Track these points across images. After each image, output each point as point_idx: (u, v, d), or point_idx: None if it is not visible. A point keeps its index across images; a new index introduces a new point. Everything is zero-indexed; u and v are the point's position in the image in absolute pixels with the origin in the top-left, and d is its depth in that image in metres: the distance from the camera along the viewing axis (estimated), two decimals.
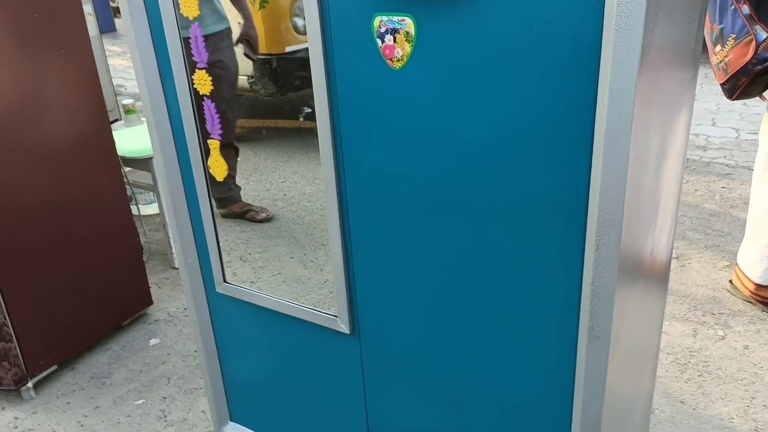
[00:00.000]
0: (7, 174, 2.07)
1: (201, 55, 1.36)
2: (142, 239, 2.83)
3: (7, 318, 2.14)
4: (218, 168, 1.50)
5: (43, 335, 2.27)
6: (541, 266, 1.15)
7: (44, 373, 2.31)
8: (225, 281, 1.68)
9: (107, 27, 7.89)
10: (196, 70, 1.39)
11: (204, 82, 1.40)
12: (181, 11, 1.32)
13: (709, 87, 5.60)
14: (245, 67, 4.17)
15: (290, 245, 2.61)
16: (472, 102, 1.09)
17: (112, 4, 8.48)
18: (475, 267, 1.22)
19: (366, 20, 1.12)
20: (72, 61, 2.22)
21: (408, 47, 1.11)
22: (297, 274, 2.78)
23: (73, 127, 2.26)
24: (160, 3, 1.33)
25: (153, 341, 2.57)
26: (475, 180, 1.15)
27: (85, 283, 2.39)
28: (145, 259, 2.78)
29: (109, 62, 4.83)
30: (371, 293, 1.40)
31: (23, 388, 2.25)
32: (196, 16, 1.33)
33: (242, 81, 4.35)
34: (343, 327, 1.47)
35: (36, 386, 2.29)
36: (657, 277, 1.57)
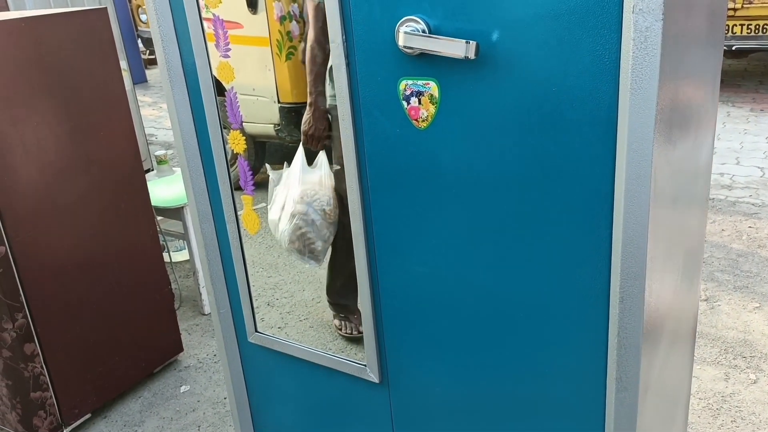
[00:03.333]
0: (48, 230, 2.16)
1: (236, 117, 1.44)
2: (173, 286, 2.89)
3: (44, 367, 2.20)
4: (251, 222, 1.56)
5: (78, 384, 2.33)
6: (568, 319, 1.17)
7: (78, 422, 2.36)
8: (257, 331, 1.72)
9: (139, 78, 8.17)
10: (231, 131, 1.46)
11: (238, 142, 1.47)
12: (217, 77, 1.40)
13: (732, 125, 5.60)
14: (271, 115, 4.27)
15: (318, 290, 2.65)
16: (495, 160, 1.13)
17: (143, 57, 8.80)
18: (502, 318, 1.25)
19: (392, 83, 1.19)
20: (110, 117, 2.32)
21: (432, 108, 1.17)
22: (324, 319, 2.81)
23: (111, 181, 2.35)
24: (198, 68, 1.41)
25: (183, 388, 2.61)
26: (497, 235, 1.18)
27: (118, 332, 2.45)
28: (176, 306, 2.84)
29: (141, 112, 5.01)
30: (400, 342, 1.43)
31: None
32: (231, 81, 1.40)
33: (268, 129, 4.46)
34: (373, 376, 1.50)
35: None
36: (685, 321, 1.57)
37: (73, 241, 2.25)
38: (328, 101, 2.04)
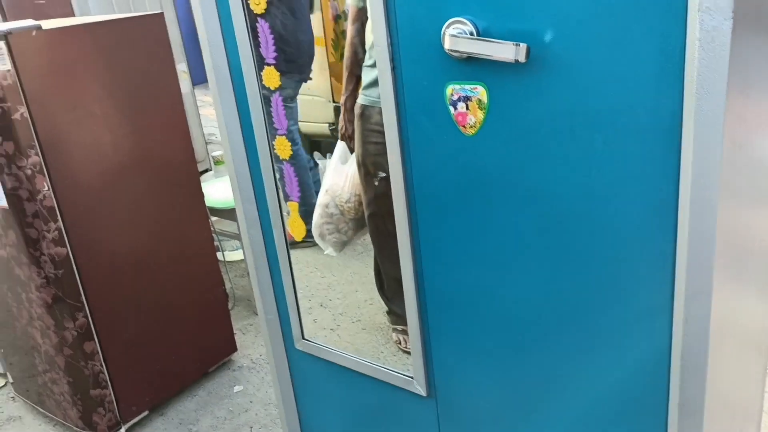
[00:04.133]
0: (107, 230, 2.22)
1: (281, 122, 1.42)
2: (227, 285, 2.92)
3: (104, 365, 2.26)
4: (297, 228, 1.54)
5: (136, 382, 2.38)
6: (625, 337, 1.09)
7: (136, 419, 2.41)
8: (303, 338, 1.70)
9: (200, 79, 8.36)
10: (277, 137, 1.44)
11: (284, 148, 1.45)
12: (263, 82, 1.39)
13: None
14: (326, 114, 4.27)
15: (371, 291, 2.62)
16: (546, 168, 1.07)
17: None
18: (554, 333, 1.18)
19: (439, 88, 1.14)
20: (166, 119, 2.36)
21: (481, 114, 1.11)
22: (376, 320, 2.78)
23: (166, 182, 2.39)
24: (244, 74, 1.40)
25: (237, 388, 2.63)
26: (548, 246, 1.12)
27: (174, 331, 2.50)
28: (230, 306, 2.87)
29: (201, 112, 5.11)
30: (448, 355, 1.38)
31: None
32: (277, 86, 1.38)
33: (323, 128, 4.45)
34: (420, 389, 1.45)
35: (128, 431, 2.39)
36: (755, 333, 1.46)
37: (131, 241, 2.30)
38: (359, 100, 2.03)
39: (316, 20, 4.26)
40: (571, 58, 0.99)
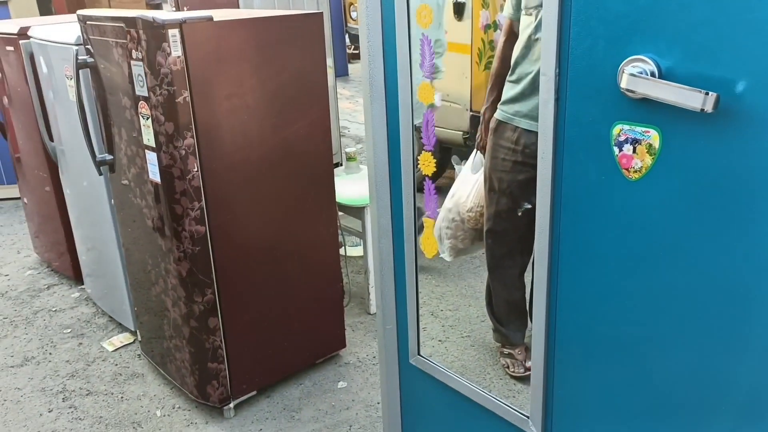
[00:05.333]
0: (243, 215, 2.32)
1: (429, 138, 1.40)
2: (344, 280, 2.98)
3: (223, 342, 2.37)
4: (429, 246, 1.52)
5: (249, 362, 2.48)
6: None
7: (245, 397, 2.51)
8: (419, 354, 1.68)
9: (341, 72, 8.60)
10: (423, 152, 1.43)
11: (428, 164, 1.44)
12: (417, 98, 1.38)
13: None
14: (461, 122, 4.22)
15: (483, 308, 2.57)
16: (715, 231, 0.97)
17: (348, 51, 9.25)
18: (702, 409, 1.08)
19: (605, 126, 1.07)
20: (311, 115, 2.43)
21: (649, 159, 1.03)
22: (486, 339, 2.72)
23: (303, 174, 2.47)
24: (399, 88, 1.39)
25: (341, 384, 2.67)
26: (704, 316, 1.02)
27: (291, 319, 2.57)
28: (345, 303, 2.92)
29: (338, 104, 5.25)
30: (572, 403, 1.31)
31: (226, 407, 2.46)
32: (431, 102, 1.37)
33: (457, 136, 4.42)
34: (534, 430, 1.39)
35: (236, 407, 2.50)
36: None
37: (263, 228, 2.39)
38: (496, 114, 2.00)
39: (465, 28, 4.22)
40: (764, 112, 0.89)
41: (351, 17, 9.27)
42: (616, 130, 1.06)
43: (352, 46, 9.76)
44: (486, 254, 2.36)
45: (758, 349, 0.99)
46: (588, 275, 1.18)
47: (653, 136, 1.01)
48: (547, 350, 1.30)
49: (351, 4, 9.19)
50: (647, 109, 1.01)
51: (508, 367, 2.43)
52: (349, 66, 9.38)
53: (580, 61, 1.07)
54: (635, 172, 1.05)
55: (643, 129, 1.02)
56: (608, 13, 1.01)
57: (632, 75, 0.97)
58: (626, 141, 1.05)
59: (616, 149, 1.07)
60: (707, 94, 0.89)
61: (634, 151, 1.04)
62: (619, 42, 1.00)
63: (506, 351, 2.46)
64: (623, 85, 0.99)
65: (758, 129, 0.90)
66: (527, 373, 1.71)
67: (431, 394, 1.71)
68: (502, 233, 2.17)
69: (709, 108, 0.90)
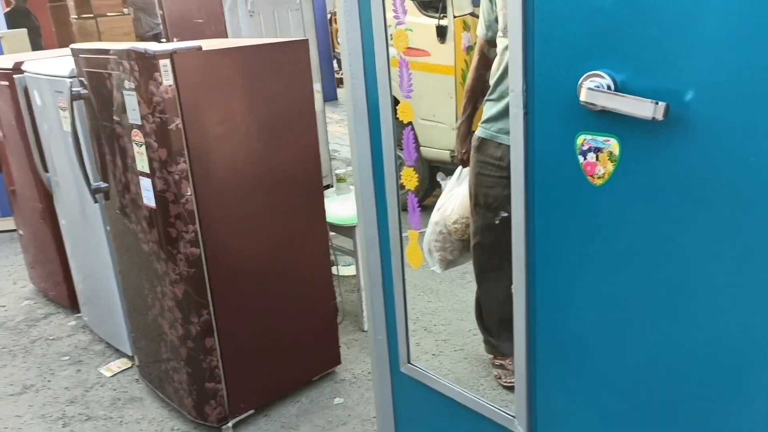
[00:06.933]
0: (236, 237, 2.39)
1: (410, 154, 1.48)
2: (337, 299, 3.04)
3: (220, 361, 2.42)
4: (414, 257, 1.60)
5: (246, 381, 2.53)
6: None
7: (243, 416, 2.55)
8: (409, 362, 1.74)
9: (330, 96, 8.73)
10: (404, 167, 1.51)
11: (410, 179, 1.52)
12: (398, 116, 1.46)
13: None
14: (448, 141, 4.33)
15: (475, 322, 2.63)
16: (673, 228, 1.05)
17: (337, 75, 9.40)
18: (679, 402, 1.15)
19: (570, 137, 1.15)
20: (299, 138, 2.51)
21: (611, 166, 1.11)
22: (479, 352, 2.78)
23: (294, 196, 2.54)
24: (380, 107, 1.48)
25: (337, 400, 2.72)
26: (674, 310, 1.09)
27: (285, 338, 2.63)
28: (339, 320, 2.98)
29: (328, 128, 5.35)
30: (554, 401, 1.37)
31: (224, 426, 2.50)
32: (410, 120, 1.45)
33: (444, 154, 4.51)
34: (520, 429, 1.45)
35: (234, 427, 2.54)
36: None
37: (256, 249, 2.46)
38: (478, 132, 2.09)
39: (448, 50, 4.34)
40: (712, 120, 0.97)
41: (338, 43, 9.43)
42: (579, 140, 1.14)
43: (340, 71, 9.91)
44: (474, 268, 2.43)
45: (719, 341, 1.06)
46: (562, 278, 1.25)
47: (613, 145, 1.10)
48: (528, 350, 1.36)
49: (338, 30, 9.35)
50: (607, 120, 1.09)
51: (500, 378, 2.48)
52: (338, 90, 9.51)
53: (543, 77, 1.15)
54: (599, 178, 1.13)
55: (604, 138, 1.10)
56: (567, 34, 1.09)
57: (590, 89, 1.06)
58: (589, 150, 1.13)
59: (580, 158, 1.15)
60: (657, 103, 0.98)
61: (597, 158, 1.12)
62: (578, 59, 1.09)
63: (497, 362, 2.51)
64: (583, 98, 1.07)
65: (706, 134, 0.98)
66: None
67: (423, 402, 1.76)
68: (490, 246, 2.24)
69: (659, 116, 0.98)
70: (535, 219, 1.26)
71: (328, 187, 4.06)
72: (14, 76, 3.11)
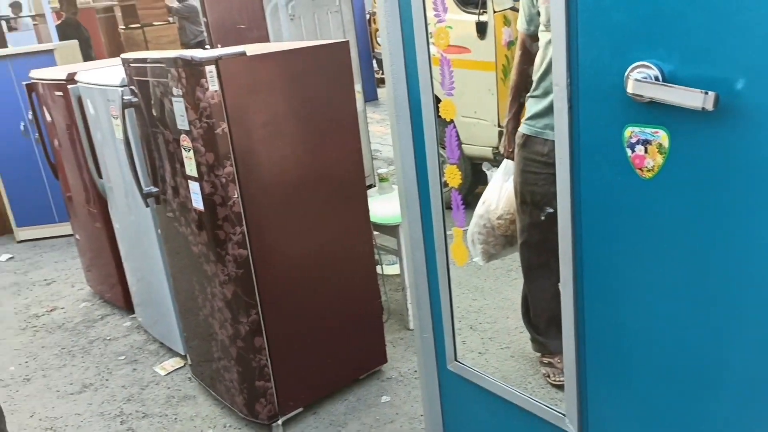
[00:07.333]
0: (283, 238, 2.43)
1: (453, 152, 1.48)
2: (382, 298, 3.05)
3: (269, 360, 2.46)
4: (460, 254, 1.59)
5: (295, 379, 2.56)
6: None
7: (292, 414, 2.59)
8: (456, 360, 1.74)
9: (371, 96, 8.77)
10: (447, 165, 1.51)
11: (454, 176, 1.52)
12: (440, 114, 1.46)
13: None
14: (490, 138, 4.29)
15: (521, 319, 2.60)
16: (726, 220, 1.02)
17: (376, 76, 9.43)
18: (729, 392, 1.12)
19: (617, 130, 1.13)
20: (342, 139, 2.54)
21: (660, 158, 1.09)
22: (526, 350, 2.75)
23: (338, 196, 2.57)
24: (422, 105, 1.48)
25: (384, 398, 2.73)
26: (720, 298, 1.06)
27: (332, 336, 2.66)
28: (384, 319, 2.99)
29: (369, 128, 5.37)
30: (604, 395, 1.35)
31: (274, 424, 2.55)
32: (453, 117, 1.45)
33: (486, 151, 4.47)
34: (571, 427, 1.44)
35: (284, 424, 2.58)
36: None
37: (301, 250, 2.49)
38: (522, 129, 2.07)
39: (488, 46, 4.29)
40: (764, 108, 0.95)
41: (377, 43, 9.47)
42: (627, 132, 1.12)
43: (380, 71, 9.95)
44: (522, 266, 2.41)
45: None
46: (610, 274, 1.23)
47: (662, 136, 1.08)
48: (577, 347, 1.35)
49: (377, 30, 9.39)
50: (655, 111, 1.07)
51: (548, 376, 2.45)
52: (378, 90, 9.54)
53: (588, 69, 1.14)
54: (648, 171, 1.11)
55: (653, 130, 1.08)
56: (611, 24, 1.08)
57: (637, 80, 1.04)
58: (638, 142, 1.11)
59: (628, 150, 1.13)
60: (706, 93, 0.95)
61: (646, 151, 1.10)
62: (624, 50, 1.07)
63: (546, 360, 2.48)
64: (630, 90, 1.06)
65: (758, 123, 0.95)
66: None
67: (470, 400, 1.76)
68: (537, 244, 2.22)
69: (709, 106, 0.96)
70: (582, 214, 1.24)
71: (370, 186, 4.08)
72: (68, 86, 3.23)
